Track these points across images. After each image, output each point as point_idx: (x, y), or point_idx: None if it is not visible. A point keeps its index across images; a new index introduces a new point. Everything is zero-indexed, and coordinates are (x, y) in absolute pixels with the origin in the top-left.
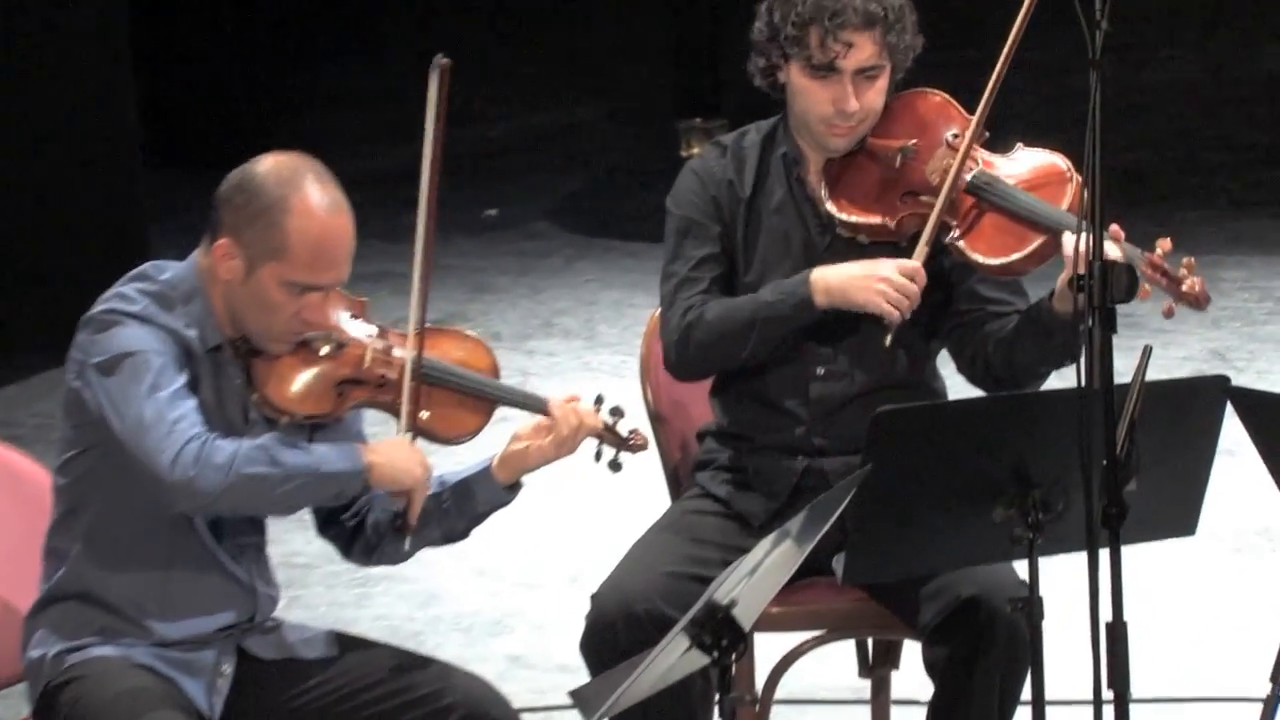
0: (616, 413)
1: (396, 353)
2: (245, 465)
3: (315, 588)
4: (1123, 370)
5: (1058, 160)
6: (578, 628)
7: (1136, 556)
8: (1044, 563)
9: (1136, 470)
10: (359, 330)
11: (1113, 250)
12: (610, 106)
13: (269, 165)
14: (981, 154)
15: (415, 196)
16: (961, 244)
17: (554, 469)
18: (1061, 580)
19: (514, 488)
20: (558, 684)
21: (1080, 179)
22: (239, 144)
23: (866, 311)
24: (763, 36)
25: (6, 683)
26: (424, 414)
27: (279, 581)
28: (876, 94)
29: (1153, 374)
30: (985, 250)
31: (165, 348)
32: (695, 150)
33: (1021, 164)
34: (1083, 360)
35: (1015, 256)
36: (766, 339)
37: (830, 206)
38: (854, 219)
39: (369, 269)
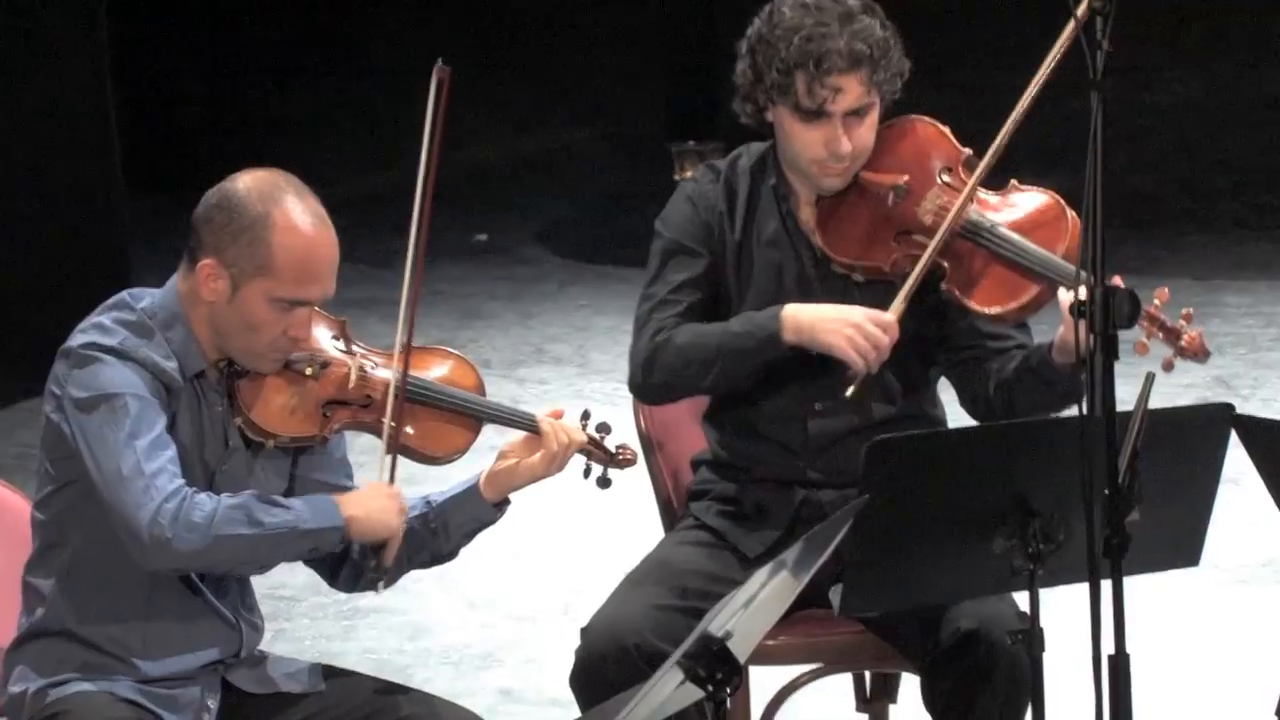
0: (603, 428)
1: (380, 372)
2: (224, 525)
3: (301, 620)
4: (1125, 398)
5: (1054, 201)
6: (570, 661)
7: (1139, 587)
8: (1045, 594)
9: (1139, 500)
10: (342, 350)
11: None
12: (603, 129)
13: (247, 182)
14: (977, 192)
15: (403, 221)
16: (955, 291)
17: (545, 499)
18: (1063, 612)
19: (501, 505)
20: (549, 719)
21: (1077, 219)
22: (221, 168)
23: (832, 355)
24: (746, 80)
25: None
26: (409, 430)
27: (264, 613)
28: (868, 130)
29: (1155, 402)
30: (979, 299)
31: (144, 385)
32: (689, 173)
33: (1017, 205)
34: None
35: (1011, 306)
36: (731, 370)
37: (823, 246)
38: (848, 259)
39: (357, 294)
